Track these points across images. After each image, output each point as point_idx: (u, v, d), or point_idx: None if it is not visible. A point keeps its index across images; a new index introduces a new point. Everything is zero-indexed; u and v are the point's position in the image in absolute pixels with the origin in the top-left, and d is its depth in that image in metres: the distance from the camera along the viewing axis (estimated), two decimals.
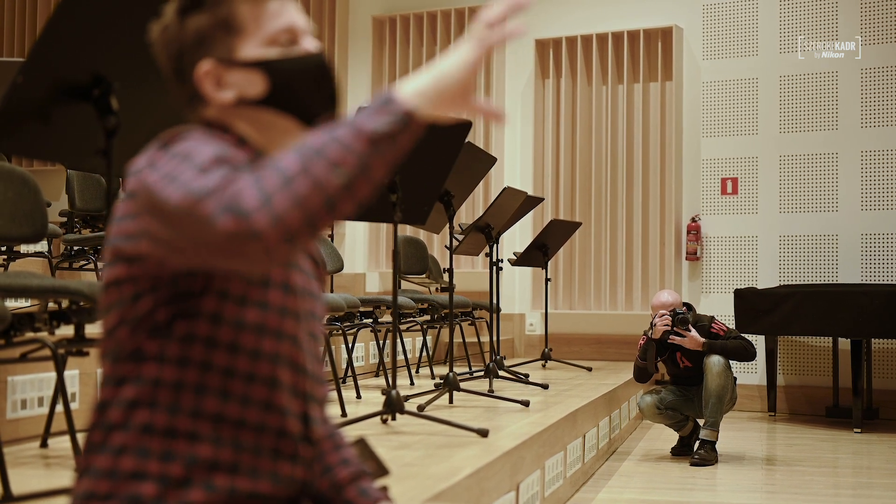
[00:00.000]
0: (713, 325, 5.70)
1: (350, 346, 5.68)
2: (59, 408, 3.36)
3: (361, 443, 1.86)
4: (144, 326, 1.44)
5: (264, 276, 1.49)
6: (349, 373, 5.54)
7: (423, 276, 7.21)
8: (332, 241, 6.97)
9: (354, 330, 5.67)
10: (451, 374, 4.77)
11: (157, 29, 1.60)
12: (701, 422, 5.68)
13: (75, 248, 6.34)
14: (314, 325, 1.61)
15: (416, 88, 1.38)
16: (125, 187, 1.47)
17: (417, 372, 6.79)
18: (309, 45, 1.60)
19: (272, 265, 1.30)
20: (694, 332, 5.57)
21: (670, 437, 6.12)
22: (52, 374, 3.34)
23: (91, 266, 6.35)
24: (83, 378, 3.79)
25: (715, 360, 5.51)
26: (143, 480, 1.40)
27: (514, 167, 8.91)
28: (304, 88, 1.58)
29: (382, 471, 1.87)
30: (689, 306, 5.76)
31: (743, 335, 5.77)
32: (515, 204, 5.97)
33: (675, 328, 5.57)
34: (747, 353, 5.55)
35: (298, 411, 1.56)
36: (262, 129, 1.58)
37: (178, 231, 1.31)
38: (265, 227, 1.25)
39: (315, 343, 1.62)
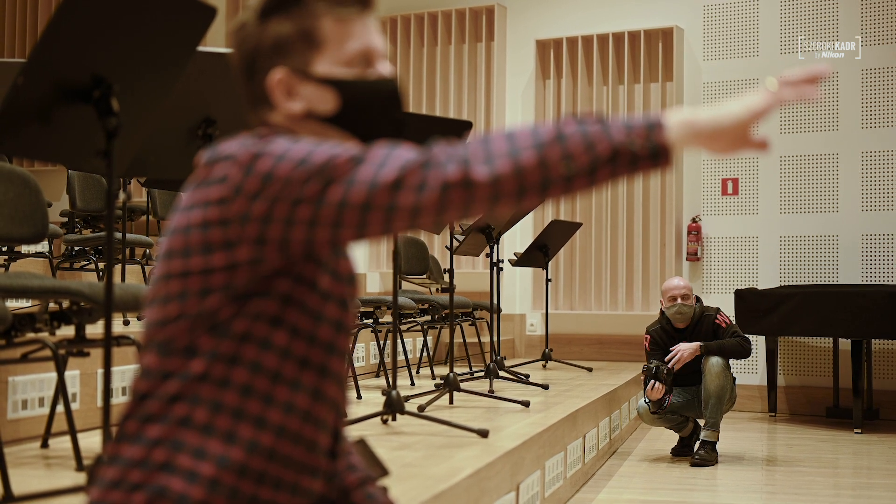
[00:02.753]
0: (718, 316, 5.70)
1: (351, 346, 5.67)
2: (60, 408, 3.36)
3: (361, 443, 1.86)
4: (205, 323, 1.44)
5: (328, 290, 1.51)
6: (349, 373, 5.53)
7: (424, 276, 7.21)
8: None
9: (355, 330, 5.68)
10: (451, 374, 4.78)
11: (234, 24, 1.59)
12: (701, 422, 5.68)
13: (76, 248, 6.35)
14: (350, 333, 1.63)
15: (688, 123, 1.39)
16: (199, 174, 1.46)
17: (418, 372, 6.79)
18: (384, 69, 1.61)
19: (458, 219, 1.38)
20: (683, 345, 5.57)
21: (671, 438, 6.12)
22: (53, 375, 3.35)
23: (92, 266, 6.36)
24: (84, 378, 3.80)
25: (714, 361, 5.51)
26: (172, 473, 1.39)
27: None
28: (372, 112, 1.59)
29: (382, 471, 1.87)
30: (697, 299, 5.78)
31: (740, 331, 5.77)
32: None
33: (657, 382, 5.50)
34: (743, 351, 5.56)
35: (332, 425, 1.57)
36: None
37: (373, 203, 1.35)
38: (482, 178, 1.33)
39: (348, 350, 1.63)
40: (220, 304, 1.43)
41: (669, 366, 5.51)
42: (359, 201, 1.35)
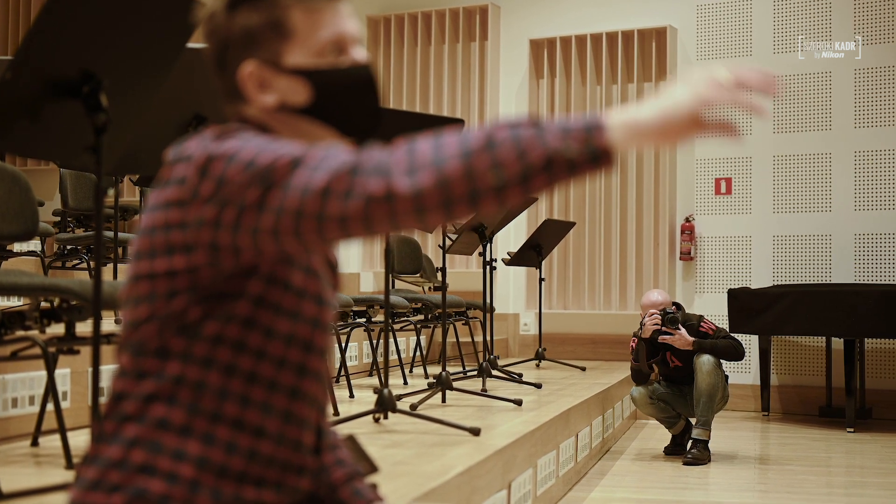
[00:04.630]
0: (702, 324, 5.70)
1: (343, 345, 5.67)
2: (50, 406, 3.35)
3: (351, 440, 1.86)
4: (174, 324, 1.42)
5: (302, 287, 1.48)
6: (342, 372, 5.54)
7: (417, 275, 7.20)
8: None
9: (348, 329, 5.67)
10: (443, 373, 4.77)
11: (203, 14, 1.56)
12: (693, 421, 5.68)
13: (68, 247, 6.33)
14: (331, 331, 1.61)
15: (631, 123, 1.31)
16: (164, 174, 1.44)
17: (411, 371, 6.79)
18: (358, 55, 1.57)
19: (390, 232, 1.31)
20: (683, 332, 5.57)
21: (663, 437, 6.12)
22: (43, 373, 3.34)
23: (84, 265, 6.34)
24: (74, 377, 3.78)
25: (705, 360, 5.51)
26: (152, 476, 1.38)
27: None
28: (347, 101, 1.56)
29: (371, 468, 1.86)
30: (678, 306, 5.76)
31: (732, 334, 5.77)
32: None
33: (664, 327, 5.57)
34: (736, 353, 5.56)
35: (314, 423, 1.56)
36: (300, 137, 1.55)
37: (304, 210, 1.30)
38: (403, 192, 1.26)
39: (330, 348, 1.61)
40: (187, 304, 1.41)
41: (671, 315, 5.54)
42: (292, 208, 1.31)
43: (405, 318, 6.23)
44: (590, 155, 1.28)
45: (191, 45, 2.66)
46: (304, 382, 1.51)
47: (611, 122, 1.30)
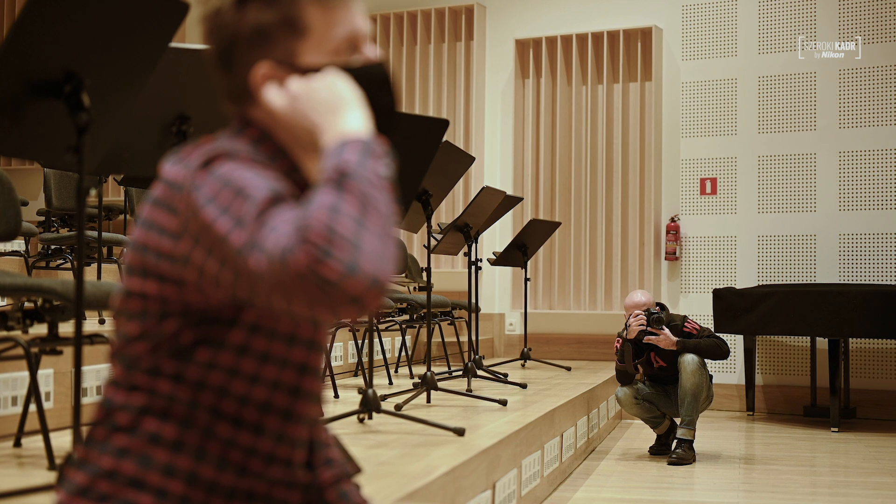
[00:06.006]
0: (686, 324, 5.70)
1: (328, 345, 5.66)
2: (33, 407, 3.33)
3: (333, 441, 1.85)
4: (166, 346, 1.40)
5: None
6: (327, 372, 5.51)
7: (402, 275, 7.20)
8: None
9: (333, 329, 5.66)
10: (428, 373, 4.77)
11: (207, 10, 1.48)
12: (678, 420, 5.69)
13: (52, 247, 6.30)
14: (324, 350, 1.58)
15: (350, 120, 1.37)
16: (156, 191, 1.41)
17: (396, 371, 6.78)
18: (370, 52, 1.51)
19: (356, 313, 1.25)
20: (667, 332, 5.58)
21: (648, 437, 6.13)
22: (26, 374, 3.32)
23: (68, 265, 6.32)
24: (57, 377, 3.77)
25: (689, 359, 5.51)
26: (141, 490, 1.37)
27: (493, 166, 8.92)
28: (364, 100, 1.46)
29: (354, 469, 1.86)
30: (662, 306, 5.77)
31: (716, 334, 5.78)
32: (494, 203, 5.96)
33: (649, 327, 5.58)
34: (721, 352, 5.57)
35: (307, 440, 1.55)
36: (306, 142, 1.47)
37: (267, 289, 1.25)
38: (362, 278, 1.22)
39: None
40: (179, 328, 1.40)
41: (656, 315, 5.55)
42: (245, 272, 1.27)
43: (390, 318, 6.23)
44: (384, 154, 1.34)
45: (174, 44, 2.66)
46: (298, 404, 1.49)
47: (353, 132, 1.35)
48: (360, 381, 6.09)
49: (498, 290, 8.89)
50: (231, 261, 1.28)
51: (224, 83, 1.51)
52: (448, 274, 8.73)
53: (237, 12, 1.45)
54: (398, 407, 4.33)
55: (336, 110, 1.39)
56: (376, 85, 1.49)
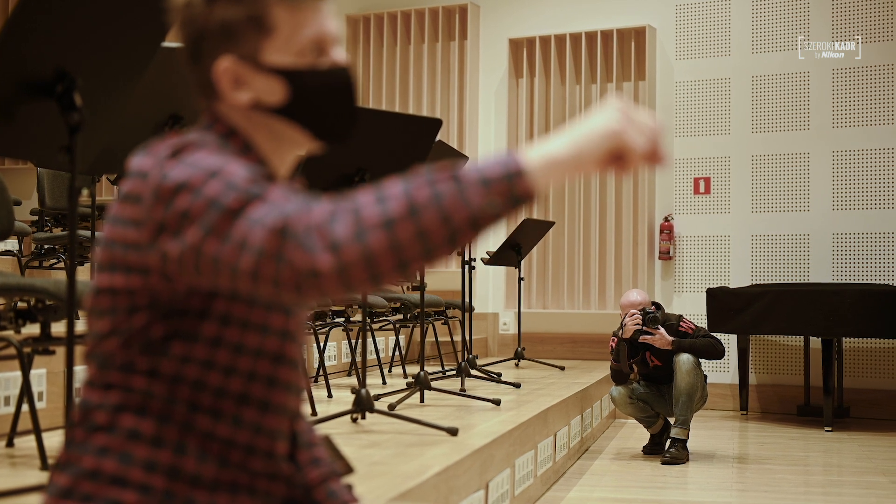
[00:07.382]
0: (681, 323, 5.71)
1: (322, 345, 5.66)
2: (25, 407, 3.33)
3: (326, 441, 1.85)
4: (138, 341, 1.40)
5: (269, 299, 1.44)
6: (320, 372, 5.53)
7: None
8: None
9: (326, 329, 5.65)
10: (422, 372, 4.77)
11: (178, 2, 1.49)
12: (672, 420, 5.69)
13: (45, 246, 6.29)
14: (301, 340, 1.59)
15: (550, 161, 1.29)
16: (124, 186, 1.41)
17: (390, 371, 6.78)
18: (337, 55, 1.52)
19: (316, 300, 1.26)
20: (663, 331, 5.58)
21: (642, 436, 6.13)
22: (18, 374, 3.31)
23: (61, 265, 6.30)
24: (50, 377, 3.76)
25: (684, 359, 5.52)
26: (124, 487, 1.37)
27: None
28: (324, 103, 1.50)
29: (347, 469, 1.86)
30: (657, 305, 5.77)
31: (712, 333, 5.78)
32: None
33: (645, 327, 5.58)
34: (716, 352, 5.57)
35: (288, 431, 1.55)
36: (272, 138, 1.51)
37: (237, 269, 1.27)
38: (327, 269, 1.22)
39: (301, 357, 1.59)
40: (148, 321, 1.40)
41: (651, 315, 5.55)
42: (226, 262, 1.28)
43: (384, 318, 6.22)
44: (513, 204, 1.28)
45: (166, 44, 2.65)
46: (275, 394, 1.49)
47: (529, 163, 1.29)
48: (353, 380, 6.09)
49: (492, 289, 8.89)
50: (215, 237, 1.28)
51: (193, 77, 1.53)
52: (441, 273, 8.73)
53: (206, 6, 1.47)
54: (391, 406, 4.32)
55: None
56: (340, 89, 1.52)
